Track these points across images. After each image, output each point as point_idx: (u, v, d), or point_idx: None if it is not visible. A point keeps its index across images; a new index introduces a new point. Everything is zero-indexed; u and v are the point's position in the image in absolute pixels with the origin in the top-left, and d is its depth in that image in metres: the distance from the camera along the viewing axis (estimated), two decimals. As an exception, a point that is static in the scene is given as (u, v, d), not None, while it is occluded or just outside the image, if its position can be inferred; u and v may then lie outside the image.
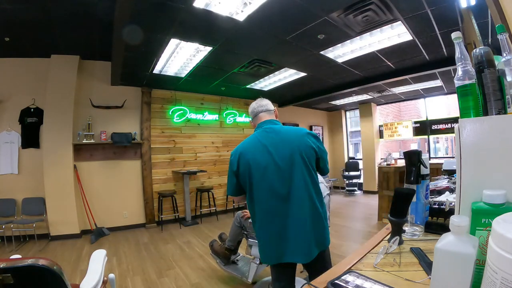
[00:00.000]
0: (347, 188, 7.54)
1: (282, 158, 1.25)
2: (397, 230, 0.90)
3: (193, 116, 5.36)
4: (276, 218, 1.24)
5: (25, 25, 2.97)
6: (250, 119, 1.48)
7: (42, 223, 3.76)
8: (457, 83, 0.67)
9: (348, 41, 3.29)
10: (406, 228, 1.00)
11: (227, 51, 3.42)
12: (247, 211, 2.25)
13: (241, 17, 2.60)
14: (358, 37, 3.19)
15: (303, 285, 0.67)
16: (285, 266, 1.29)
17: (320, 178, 1.82)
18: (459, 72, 0.67)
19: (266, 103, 1.45)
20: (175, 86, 4.87)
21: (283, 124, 1.54)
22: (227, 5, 2.43)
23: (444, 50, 3.52)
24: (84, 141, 4.15)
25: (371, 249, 0.90)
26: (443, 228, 0.88)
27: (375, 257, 0.80)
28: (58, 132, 3.90)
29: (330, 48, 3.49)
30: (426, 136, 6.68)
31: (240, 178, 1.30)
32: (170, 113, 5.11)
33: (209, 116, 5.59)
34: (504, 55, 0.61)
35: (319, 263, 1.25)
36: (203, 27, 2.77)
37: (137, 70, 3.98)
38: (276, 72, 4.44)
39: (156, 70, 4.02)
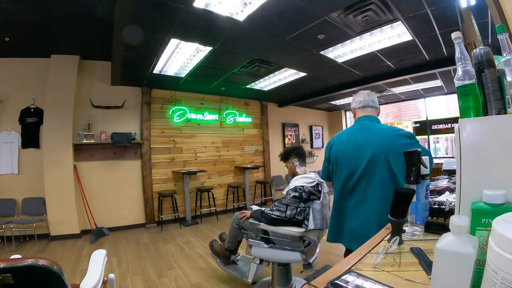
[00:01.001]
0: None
1: (365, 157, 1.32)
2: (397, 230, 0.90)
3: (193, 116, 5.36)
4: (344, 211, 1.38)
5: (25, 25, 2.97)
6: (354, 105, 1.52)
7: (42, 223, 3.76)
8: (457, 83, 0.67)
9: (348, 41, 3.29)
10: (406, 228, 1.00)
11: (227, 51, 3.42)
12: (246, 212, 2.25)
13: (241, 17, 2.60)
14: (358, 37, 3.19)
15: (303, 285, 0.67)
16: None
17: (320, 177, 1.82)
18: (459, 72, 0.67)
19: (376, 100, 1.52)
20: (175, 86, 4.87)
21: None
22: (227, 5, 2.43)
23: (444, 50, 3.52)
24: (84, 141, 4.15)
25: (371, 249, 0.90)
26: (443, 228, 0.88)
27: (375, 257, 0.80)
28: (58, 132, 3.90)
29: (330, 48, 3.49)
30: (426, 136, 6.68)
31: (331, 165, 1.47)
32: (170, 113, 5.11)
33: (209, 116, 5.59)
34: (504, 55, 0.61)
35: None
36: (203, 27, 2.77)
37: (137, 70, 3.98)
38: (276, 72, 4.44)
39: (156, 70, 4.02)
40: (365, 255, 0.85)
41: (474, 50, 0.66)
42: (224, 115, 5.87)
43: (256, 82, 4.94)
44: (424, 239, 0.94)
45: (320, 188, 1.95)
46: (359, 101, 1.50)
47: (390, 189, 1.25)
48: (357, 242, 1.22)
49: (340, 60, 3.91)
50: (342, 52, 3.66)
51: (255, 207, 2.24)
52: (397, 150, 1.24)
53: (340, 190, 1.40)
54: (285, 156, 2.22)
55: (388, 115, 9.47)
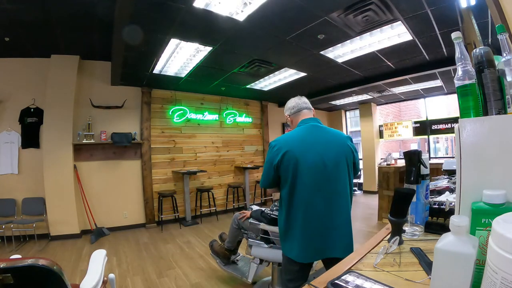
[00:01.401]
0: (347, 188, 7.53)
1: (329, 158, 1.28)
2: (397, 230, 0.90)
3: (193, 116, 5.36)
4: (320, 216, 1.27)
5: (25, 25, 2.97)
6: (288, 113, 1.48)
7: (42, 223, 3.76)
8: (457, 83, 0.67)
9: (348, 41, 3.29)
10: (406, 228, 1.00)
11: (227, 51, 3.42)
12: (245, 212, 2.25)
13: (241, 17, 2.60)
14: (358, 37, 3.19)
15: (303, 285, 0.67)
16: (309, 265, 1.35)
17: None
18: (459, 72, 0.67)
19: (308, 101, 1.48)
20: (175, 86, 4.87)
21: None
22: (227, 5, 2.43)
23: (444, 50, 3.52)
24: (84, 141, 4.15)
25: (371, 249, 0.90)
26: (443, 228, 0.88)
27: (375, 257, 0.80)
28: (58, 132, 3.90)
29: (330, 48, 3.49)
30: (426, 136, 6.68)
31: (281, 171, 1.30)
32: (170, 113, 5.11)
33: (209, 116, 5.59)
34: (504, 55, 0.61)
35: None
36: (203, 27, 2.77)
37: (137, 70, 3.98)
38: (276, 72, 4.44)
39: (156, 70, 4.02)
40: (365, 255, 0.85)
41: (474, 50, 0.66)
42: (224, 115, 5.87)
43: (256, 82, 4.93)
44: (424, 239, 0.94)
45: None
46: (292, 107, 1.46)
47: (350, 189, 1.36)
48: (347, 250, 1.25)
49: (340, 60, 3.91)
50: (342, 52, 3.66)
51: (255, 207, 2.24)
52: (350, 152, 1.35)
53: (304, 196, 1.27)
54: None
55: (388, 115, 9.47)
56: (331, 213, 1.27)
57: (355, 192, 7.39)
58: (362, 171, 7.67)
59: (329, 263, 1.26)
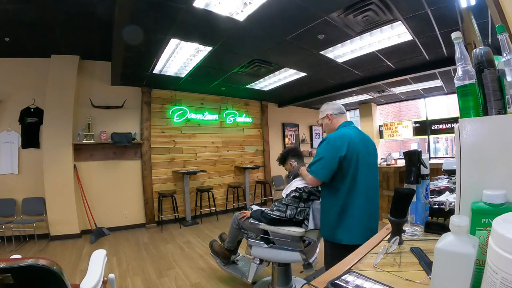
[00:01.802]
0: (347, 188, 7.52)
1: (372, 156, 1.62)
2: (397, 230, 0.90)
3: (193, 116, 5.36)
4: (372, 203, 1.56)
5: (25, 25, 2.97)
6: (331, 112, 1.69)
7: (42, 223, 3.76)
8: (457, 83, 0.67)
9: (348, 41, 3.28)
10: (406, 228, 1.00)
11: (227, 51, 3.42)
12: (246, 212, 2.24)
13: (241, 17, 2.60)
14: (358, 37, 3.19)
15: (303, 285, 0.67)
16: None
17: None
18: (459, 72, 0.67)
19: None
20: (175, 86, 4.87)
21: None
22: (227, 5, 2.43)
23: (444, 50, 3.52)
24: (84, 141, 4.15)
25: (371, 249, 0.90)
26: (443, 228, 0.88)
27: (375, 257, 0.80)
28: (58, 132, 3.90)
29: (330, 48, 3.49)
30: (426, 136, 6.68)
31: (345, 162, 1.49)
32: (170, 113, 5.11)
33: (209, 116, 5.59)
34: (504, 55, 0.61)
35: None
36: (203, 27, 2.77)
37: (137, 70, 3.98)
38: (276, 72, 4.44)
39: (156, 70, 4.02)
40: (365, 255, 0.85)
41: (474, 50, 0.66)
42: (224, 115, 5.87)
43: (256, 82, 4.93)
44: (424, 239, 0.94)
45: (320, 188, 1.95)
46: (337, 108, 1.70)
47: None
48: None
49: (340, 60, 3.90)
50: (342, 52, 3.66)
51: (255, 207, 2.24)
52: (377, 155, 1.69)
53: (363, 186, 1.50)
54: (283, 159, 2.23)
55: (388, 115, 9.46)
56: (376, 201, 1.59)
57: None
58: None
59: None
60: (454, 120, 5.76)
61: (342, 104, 6.47)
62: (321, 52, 3.57)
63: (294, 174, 1.98)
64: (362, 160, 1.51)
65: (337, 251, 1.50)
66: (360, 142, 1.55)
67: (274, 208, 1.96)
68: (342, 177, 1.50)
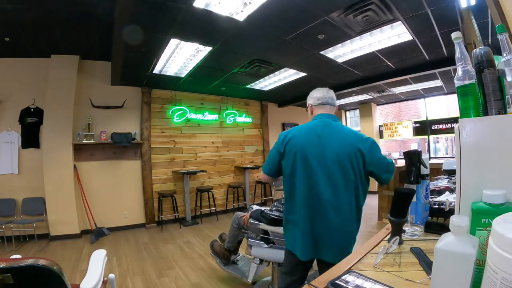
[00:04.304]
0: (347, 188, 7.52)
1: (331, 156, 1.24)
2: (397, 230, 0.90)
3: (193, 116, 5.36)
4: (315, 212, 1.24)
5: (25, 25, 2.97)
6: (312, 102, 1.44)
7: (42, 223, 3.76)
8: (457, 83, 0.67)
9: (348, 41, 3.28)
10: (406, 228, 1.00)
11: (227, 51, 3.42)
12: (246, 214, 2.24)
13: (241, 17, 2.60)
14: (358, 37, 3.19)
15: (303, 285, 0.67)
16: (305, 262, 1.31)
17: None
18: (459, 72, 0.67)
19: (334, 97, 1.44)
20: (175, 86, 4.87)
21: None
22: (227, 5, 2.43)
23: (444, 50, 3.52)
24: (84, 141, 4.15)
25: (371, 249, 0.90)
26: (443, 228, 0.88)
27: (375, 257, 0.80)
28: (58, 132, 3.90)
29: (330, 48, 3.49)
30: (426, 136, 6.68)
31: (284, 160, 1.32)
32: (170, 113, 5.11)
33: (209, 116, 5.59)
34: (504, 55, 0.61)
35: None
36: (203, 27, 2.77)
37: (137, 70, 3.98)
38: (276, 72, 4.45)
39: (156, 70, 4.02)
40: (365, 255, 0.85)
41: (474, 50, 0.66)
42: (224, 115, 5.87)
43: (256, 82, 4.93)
44: (424, 239, 0.94)
45: None
46: (318, 98, 1.41)
47: (349, 191, 1.23)
48: (340, 255, 1.07)
49: (340, 60, 3.90)
50: (342, 52, 3.66)
51: (255, 207, 2.24)
52: (356, 154, 1.23)
53: (302, 188, 1.27)
54: None
55: (388, 115, 9.46)
56: (326, 212, 1.22)
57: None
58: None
59: (324, 266, 1.21)
60: (454, 120, 5.76)
61: (342, 104, 6.41)
62: (321, 52, 3.57)
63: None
64: (305, 156, 1.26)
65: (286, 253, 1.38)
66: (312, 137, 1.29)
67: (274, 208, 1.96)
68: (284, 175, 1.36)
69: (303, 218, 1.26)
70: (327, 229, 1.23)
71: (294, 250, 1.31)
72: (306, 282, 0.69)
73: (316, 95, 1.43)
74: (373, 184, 7.07)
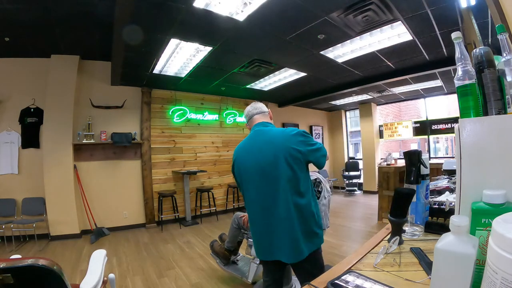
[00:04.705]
0: (347, 188, 7.54)
1: (266, 160, 1.26)
2: (397, 230, 0.90)
3: (193, 116, 5.36)
4: (263, 218, 1.29)
5: (25, 25, 2.97)
6: (246, 120, 1.52)
7: (42, 223, 3.76)
8: (457, 83, 0.67)
9: (348, 41, 3.29)
10: (406, 228, 1.00)
11: (227, 51, 3.42)
12: (246, 214, 2.24)
13: (241, 17, 2.60)
14: (358, 37, 3.19)
15: (303, 285, 0.67)
16: (271, 263, 1.35)
17: (320, 177, 1.83)
18: (459, 72, 0.67)
19: (260, 106, 1.49)
20: (175, 86, 4.87)
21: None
22: (227, 5, 2.43)
23: (444, 50, 3.52)
24: (84, 141, 4.15)
25: (371, 249, 0.90)
26: (443, 228, 0.88)
27: (375, 257, 0.80)
28: (58, 132, 3.90)
29: (330, 48, 3.49)
30: (426, 136, 6.68)
31: (236, 178, 1.45)
32: (170, 113, 5.11)
33: (209, 116, 5.59)
34: (504, 55, 0.61)
35: (308, 264, 1.25)
36: (203, 27, 2.77)
37: (137, 70, 3.98)
38: (276, 72, 4.44)
39: (156, 70, 4.02)
40: (365, 255, 0.85)
41: (474, 50, 0.66)
42: (224, 115, 5.87)
43: (256, 82, 4.93)
44: (424, 239, 0.94)
45: (319, 188, 1.95)
46: (245, 115, 1.49)
47: (295, 187, 1.24)
48: (293, 256, 1.23)
49: (340, 60, 3.91)
50: (342, 52, 3.66)
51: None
52: (294, 148, 1.24)
53: (249, 200, 1.34)
54: None
55: (388, 115, 9.46)
56: (273, 215, 1.25)
57: (355, 192, 7.39)
58: (362, 171, 7.67)
59: (297, 267, 1.30)
60: (454, 120, 5.76)
61: (342, 104, 6.41)
62: (321, 52, 3.58)
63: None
64: (245, 171, 1.34)
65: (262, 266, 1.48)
66: (247, 150, 1.37)
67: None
68: (245, 195, 1.39)
69: (259, 227, 1.33)
70: (275, 233, 1.25)
71: (257, 254, 1.39)
72: (306, 282, 0.69)
73: (245, 114, 1.51)
74: (373, 184, 7.08)
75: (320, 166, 1.32)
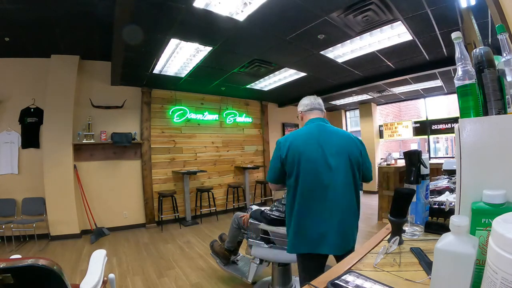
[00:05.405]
0: (347, 188, 7.53)
1: (331, 156, 1.32)
2: (397, 230, 0.90)
3: (193, 116, 5.36)
4: (323, 208, 1.30)
5: (25, 25, 2.97)
6: (301, 109, 1.53)
7: (42, 223, 3.76)
8: (457, 83, 0.67)
9: (348, 41, 3.28)
10: (406, 228, 1.00)
11: (227, 51, 3.42)
12: (246, 214, 2.24)
13: (241, 17, 2.60)
14: (358, 37, 3.19)
15: (303, 285, 0.67)
16: (315, 257, 1.32)
17: None
18: (459, 72, 0.67)
19: (322, 103, 1.55)
20: (175, 86, 4.87)
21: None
22: (227, 5, 2.43)
23: (444, 50, 3.52)
24: (84, 141, 4.15)
25: (371, 249, 0.90)
26: (443, 228, 0.88)
27: (375, 257, 0.80)
28: (58, 132, 3.90)
29: (330, 48, 3.49)
30: (426, 136, 6.68)
31: (287, 165, 1.36)
32: (170, 113, 5.11)
33: (209, 116, 5.59)
34: (504, 55, 0.61)
35: (347, 256, 1.24)
36: (203, 27, 2.77)
37: (137, 70, 3.98)
38: (276, 72, 4.44)
39: (156, 70, 4.02)
40: (365, 255, 0.85)
41: (474, 50, 0.66)
42: (224, 115, 5.87)
43: (256, 82, 4.93)
44: (424, 239, 0.94)
45: None
46: (306, 104, 1.52)
47: (352, 188, 1.34)
48: (342, 249, 1.28)
49: (340, 60, 3.90)
50: (342, 52, 3.66)
51: (255, 207, 2.24)
52: (357, 153, 1.36)
53: (305, 192, 1.32)
54: None
55: (388, 115, 9.46)
56: (331, 208, 1.29)
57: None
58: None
59: (338, 259, 1.28)
60: (454, 120, 5.76)
61: (342, 104, 6.42)
62: (321, 52, 3.57)
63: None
64: (307, 159, 1.33)
65: (303, 260, 1.38)
66: (311, 139, 1.36)
67: (274, 209, 1.96)
68: (288, 181, 1.38)
69: (316, 217, 1.31)
70: (338, 226, 1.29)
71: (317, 249, 1.30)
72: (306, 282, 0.69)
73: (305, 102, 1.53)
74: (373, 184, 7.07)
75: (368, 178, 1.45)
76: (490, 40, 1.18)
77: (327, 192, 1.29)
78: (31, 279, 0.88)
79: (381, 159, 6.07)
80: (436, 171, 2.55)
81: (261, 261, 2.13)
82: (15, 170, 3.85)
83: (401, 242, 0.89)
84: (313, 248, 1.29)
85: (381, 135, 7.47)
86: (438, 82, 5.17)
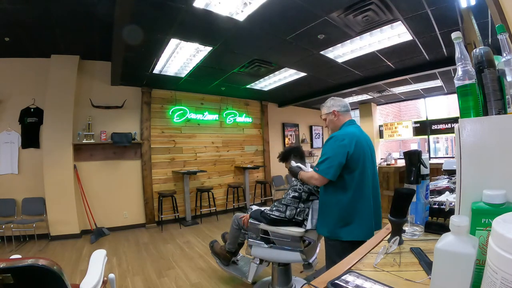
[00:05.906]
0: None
1: (372, 152, 1.65)
2: (397, 230, 0.90)
3: (193, 116, 5.36)
4: (374, 198, 1.59)
5: (25, 25, 2.97)
6: (338, 109, 1.70)
7: (42, 223, 3.76)
8: (457, 83, 0.67)
9: (348, 41, 3.28)
10: (406, 228, 1.00)
11: (227, 51, 3.42)
12: (246, 214, 2.23)
13: (241, 17, 2.60)
14: (358, 37, 3.19)
15: (303, 285, 0.67)
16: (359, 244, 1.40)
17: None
18: (459, 72, 0.67)
19: None
20: (175, 86, 4.87)
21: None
22: (227, 5, 2.43)
23: (444, 50, 3.52)
24: (84, 141, 4.15)
25: (371, 249, 0.90)
26: (443, 228, 0.88)
27: (375, 257, 0.80)
28: (58, 132, 3.90)
29: (330, 48, 3.49)
30: (426, 136, 6.68)
31: (353, 160, 1.51)
32: (170, 113, 5.11)
33: (209, 116, 5.59)
34: (504, 55, 0.61)
35: None
36: (203, 27, 2.77)
37: (137, 70, 3.98)
38: (276, 72, 4.44)
39: (156, 70, 4.02)
40: (365, 255, 0.85)
41: (474, 50, 0.66)
42: (224, 115, 5.87)
43: (256, 82, 4.93)
44: (424, 239, 0.94)
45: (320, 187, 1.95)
46: (344, 105, 1.70)
47: (377, 186, 1.69)
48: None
49: (340, 60, 3.90)
50: (342, 52, 3.66)
51: (255, 207, 2.23)
52: (374, 153, 1.70)
53: (369, 186, 1.55)
54: (284, 157, 2.17)
55: (388, 115, 9.46)
56: (379, 197, 1.66)
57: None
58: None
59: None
60: (454, 120, 5.76)
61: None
62: (321, 52, 3.57)
63: (292, 174, 1.91)
64: (368, 159, 1.57)
65: (343, 248, 1.47)
66: (364, 141, 1.60)
67: (274, 209, 1.96)
68: (350, 175, 1.51)
69: (373, 207, 1.57)
70: (380, 215, 1.65)
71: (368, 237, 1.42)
72: (306, 282, 0.69)
73: (341, 103, 1.71)
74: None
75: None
76: (490, 40, 1.18)
77: (371, 187, 1.55)
78: (31, 279, 0.88)
79: (381, 159, 6.06)
80: (436, 171, 2.55)
81: (261, 261, 2.12)
82: (15, 170, 3.85)
83: (401, 242, 0.89)
84: (367, 235, 1.42)
85: (381, 135, 7.47)
86: (438, 82, 5.17)
